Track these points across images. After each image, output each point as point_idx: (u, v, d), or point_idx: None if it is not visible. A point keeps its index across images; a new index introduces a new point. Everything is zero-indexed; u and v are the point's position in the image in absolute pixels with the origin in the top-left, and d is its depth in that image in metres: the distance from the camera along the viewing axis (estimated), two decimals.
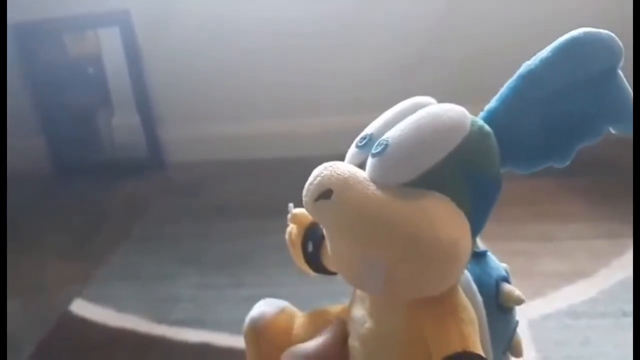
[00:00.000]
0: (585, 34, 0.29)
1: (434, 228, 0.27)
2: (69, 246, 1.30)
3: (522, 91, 0.30)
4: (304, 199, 0.29)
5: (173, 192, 1.53)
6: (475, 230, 0.29)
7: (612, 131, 0.30)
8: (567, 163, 0.30)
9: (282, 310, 0.37)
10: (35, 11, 1.57)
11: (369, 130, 0.31)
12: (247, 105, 1.62)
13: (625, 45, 0.29)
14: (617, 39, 0.29)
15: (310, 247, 0.37)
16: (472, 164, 0.29)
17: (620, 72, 0.29)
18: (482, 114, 0.31)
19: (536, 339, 0.84)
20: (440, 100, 0.32)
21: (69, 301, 1.08)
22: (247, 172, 1.55)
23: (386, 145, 0.29)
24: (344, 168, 0.29)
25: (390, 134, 0.29)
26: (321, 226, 0.32)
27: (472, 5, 1.45)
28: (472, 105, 0.32)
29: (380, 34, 1.50)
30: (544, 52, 0.29)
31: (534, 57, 0.30)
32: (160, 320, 1.00)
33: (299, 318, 0.37)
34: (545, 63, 0.29)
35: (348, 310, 0.35)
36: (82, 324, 1.02)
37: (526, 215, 1.15)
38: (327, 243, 0.31)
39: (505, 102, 0.30)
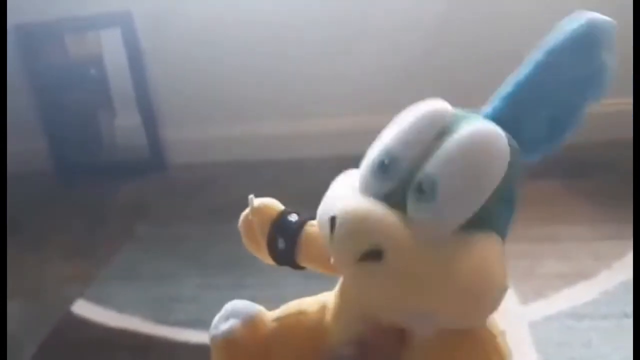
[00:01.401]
0: (593, 25, 0.28)
1: (489, 279, 0.26)
2: (70, 247, 1.30)
3: (535, 80, 0.29)
4: (337, 250, 0.26)
5: (174, 193, 1.53)
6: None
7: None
8: (557, 149, 0.30)
9: (252, 319, 0.36)
10: (36, 12, 1.57)
11: (386, 153, 0.28)
12: (248, 106, 1.62)
13: (625, 39, 0.29)
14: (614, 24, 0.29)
15: (281, 244, 0.34)
16: (508, 185, 0.28)
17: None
18: (489, 110, 0.30)
19: (538, 341, 0.84)
20: (445, 100, 0.31)
21: (70, 302, 1.08)
22: (248, 173, 1.55)
23: (433, 187, 0.26)
24: (390, 218, 0.25)
25: (436, 171, 0.26)
26: (360, 290, 0.29)
27: (472, 6, 1.44)
28: (476, 104, 0.32)
29: (380, 36, 1.50)
30: (554, 42, 0.29)
31: (542, 48, 0.29)
32: (161, 320, 1.00)
33: (273, 324, 0.35)
34: (559, 52, 0.28)
35: (332, 315, 0.33)
36: (84, 324, 1.02)
37: (528, 217, 1.14)
38: (353, 286, 0.29)
39: (514, 94, 0.29)
